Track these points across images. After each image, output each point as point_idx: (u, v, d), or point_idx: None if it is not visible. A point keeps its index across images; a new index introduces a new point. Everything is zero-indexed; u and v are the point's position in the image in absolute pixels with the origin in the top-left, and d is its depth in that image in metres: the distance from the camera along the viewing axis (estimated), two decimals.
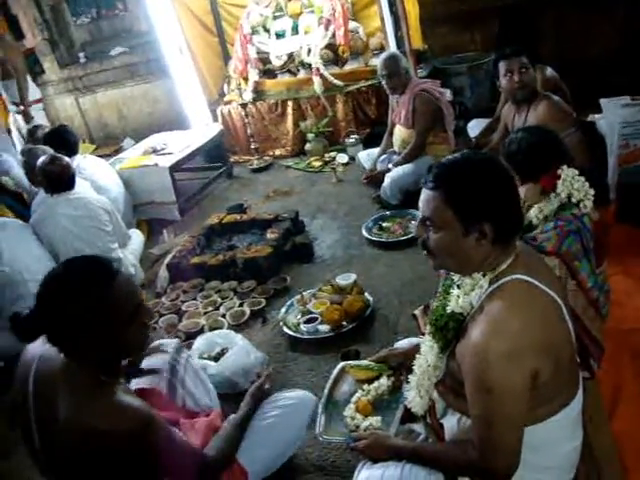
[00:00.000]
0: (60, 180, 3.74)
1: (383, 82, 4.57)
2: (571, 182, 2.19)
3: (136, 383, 2.13)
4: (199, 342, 3.04)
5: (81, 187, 3.93)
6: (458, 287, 1.60)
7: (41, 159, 3.77)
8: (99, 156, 5.85)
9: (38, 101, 7.00)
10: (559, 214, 2.19)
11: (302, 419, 2.17)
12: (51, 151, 4.06)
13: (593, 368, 2.18)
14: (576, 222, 2.15)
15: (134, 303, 1.65)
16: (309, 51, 6.04)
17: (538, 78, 3.47)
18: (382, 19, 5.52)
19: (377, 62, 4.68)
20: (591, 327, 2.17)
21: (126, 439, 1.54)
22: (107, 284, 1.58)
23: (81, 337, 1.55)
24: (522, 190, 2.20)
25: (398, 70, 4.45)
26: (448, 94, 5.03)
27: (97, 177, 4.60)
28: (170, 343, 2.40)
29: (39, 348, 1.68)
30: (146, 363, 2.26)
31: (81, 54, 7.72)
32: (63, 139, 4.54)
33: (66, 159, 3.83)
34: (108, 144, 7.65)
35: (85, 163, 4.65)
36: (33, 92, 6.81)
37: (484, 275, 1.53)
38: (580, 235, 2.14)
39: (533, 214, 2.23)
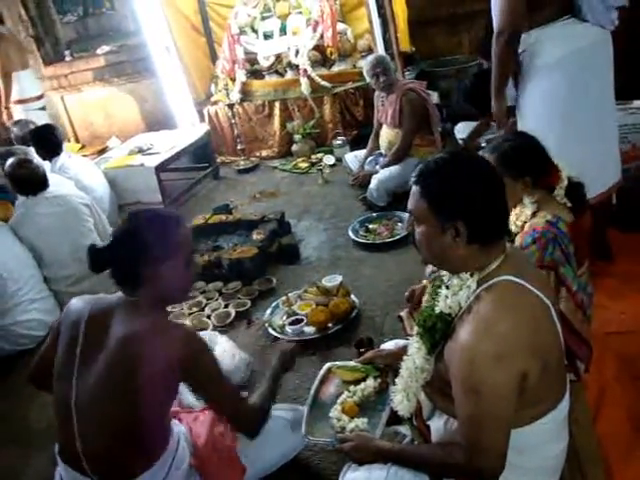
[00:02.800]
0: (29, 183, 3.67)
1: (379, 80, 4.50)
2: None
3: None
4: None
5: (62, 185, 3.89)
6: (447, 287, 1.59)
7: (9, 162, 3.71)
8: (84, 155, 5.81)
9: (39, 98, 6.79)
10: (533, 222, 2.18)
11: (298, 434, 2.12)
12: (32, 152, 4.03)
13: (580, 370, 2.19)
14: (552, 229, 2.14)
15: (192, 250, 1.93)
16: (297, 52, 6.04)
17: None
18: (370, 21, 5.54)
19: (364, 64, 4.67)
20: (581, 330, 2.17)
21: (180, 353, 1.72)
22: (177, 227, 1.87)
23: (147, 270, 1.76)
24: None
25: (390, 67, 4.51)
26: (435, 97, 5.05)
27: (82, 177, 4.56)
28: None
29: (83, 304, 1.87)
30: None
31: (67, 52, 7.66)
32: (47, 139, 4.50)
33: (35, 161, 3.77)
34: (94, 143, 7.58)
35: (70, 163, 4.60)
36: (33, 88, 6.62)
37: (472, 275, 1.53)
38: (558, 242, 2.14)
39: (511, 221, 2.22)
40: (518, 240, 2.17)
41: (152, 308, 1.80)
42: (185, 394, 2.30)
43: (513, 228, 2.22)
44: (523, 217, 2.21)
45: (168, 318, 1.90)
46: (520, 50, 2.70)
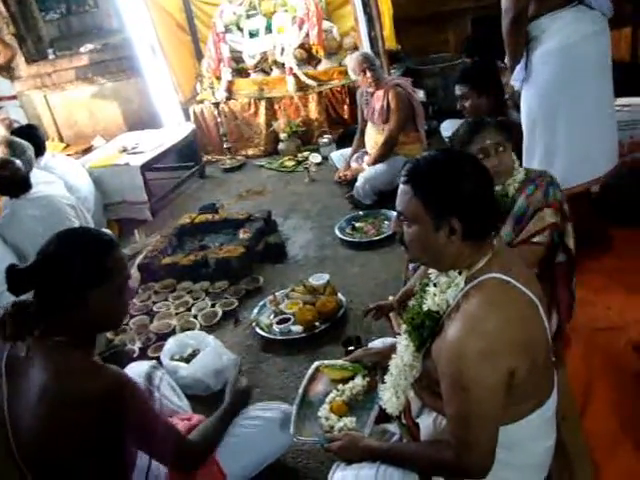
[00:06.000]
0: (11, 185, 3.65)
1: (367, 75, 4.49)
2: None
3: None
4: (170, 343, 3.00)
5: (51, 184, 3.86)
6: (434, 285, 1.59)
7: None
8: (68, 155, 5.77)
9: (12, 97, 6.87)
10: (528, 178, 2.37)
11: (286, 433, 2.10)
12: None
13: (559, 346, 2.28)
14: (546, 174, 2.38)
15: (124, 277, 1.75)
16: (282, 50, 6.04)
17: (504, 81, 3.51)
18: (356, 19, 5.55)
19: (350, 61, 4.67)
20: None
21: (103, 399, 1.56)
22: (108, 252, 1.69)
23: (72, 297, 1.62)
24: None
25: (374, 63, 4.54)
26: (421, 94, 5.06)
27: (67, 176, 4.51)
28: (147, 362, 2.48)
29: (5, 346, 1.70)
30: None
31: (50, 50, 7.59)
32: (29, 139, 4.45)
33: (17, 162, 3.74)
34: (78, 143, 7.53)
35: (54, 162, 4.57)
36: (7, 88, 6.70)
37: (460, 273, 1.53)
38: (556, 184, 2.34)
39: (508, 185, 2.36)
40: (521, 199, 2.33)
41: (70, 345, 1.63)
42: (168, 398, 2.30)
43: (511, 189, 2.35)
44: (518, 179, 2.36)
45: (91, 359, 1.69)
46: (530, 37, 2.80)
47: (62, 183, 4.11)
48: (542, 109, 2.86)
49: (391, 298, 2.69)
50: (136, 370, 2.35)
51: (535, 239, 2.28)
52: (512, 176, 2.35)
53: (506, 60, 2.93)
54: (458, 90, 3.33)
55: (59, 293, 1.63)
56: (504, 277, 1.47)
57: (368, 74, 4.49)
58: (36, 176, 4.11)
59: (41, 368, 1.59)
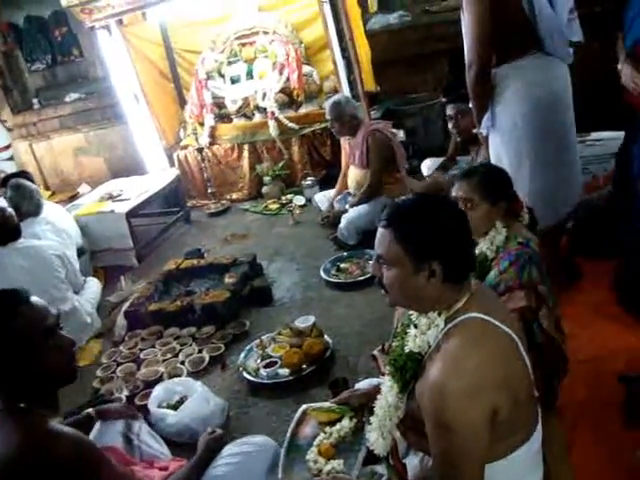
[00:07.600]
0: (3, 231, 3.66)
1: (332, 126, 4.74)
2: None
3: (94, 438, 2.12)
4: (158, 390, 2.99)
5: (55, 235, 3.89)
6: (415, 327, 1.62)
7: None
8: (55, 202, 5.79)
9: (6, 148, 6.94)
10: (507, 246, 2.25)
11: (262, 466, 2.11)
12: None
13: (557, 392, 2.24)
14: (526, 250, 2.21)
15: (40, 329, 1.65)
16: (264, 95, 6.12)
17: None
18: (335, 63, 5.65)
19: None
20: (561, 343, 2.24)
21: (61, 468, 1.52)
22: (11, 319, 1.61)
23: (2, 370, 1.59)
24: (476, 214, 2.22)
25: (340, 115, 4.59)
26: (401, 134, 5.16)
27: (56, 223, 4.54)
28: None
29: None
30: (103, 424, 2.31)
31: (35, 100, 7.68)
32: None
33: (9, 209, 3.76)
34: (64, 190, 7.57)
35: (44, 209, 4.59)
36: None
37: (440, 314, 1.56)
38: (535, 261, 2.21)
39: (485, 247, 2.27)
40: (497, 270, 2.21)
41: (34, 411, 1.61)
42: (148, 444, 2.28)
43: (488, 253, 2.26)
44: (497, 242, 2.26)
45: (50, 426, 1.59)
46: (493, 83, 2.86)
47: (68, 236, 4.14)
48: (508, 155, 2.90)
49: None
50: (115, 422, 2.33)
51: None
52: (488, 237, 2.27)
53: (470, 105, 2.99)
54: (449, 110, 3.67)
55: None
56: (483, 316, 1.50)
57: (331, 125, 4.69)
58: (47, 221, 4.17)
59: (0, 437, 1.55)
